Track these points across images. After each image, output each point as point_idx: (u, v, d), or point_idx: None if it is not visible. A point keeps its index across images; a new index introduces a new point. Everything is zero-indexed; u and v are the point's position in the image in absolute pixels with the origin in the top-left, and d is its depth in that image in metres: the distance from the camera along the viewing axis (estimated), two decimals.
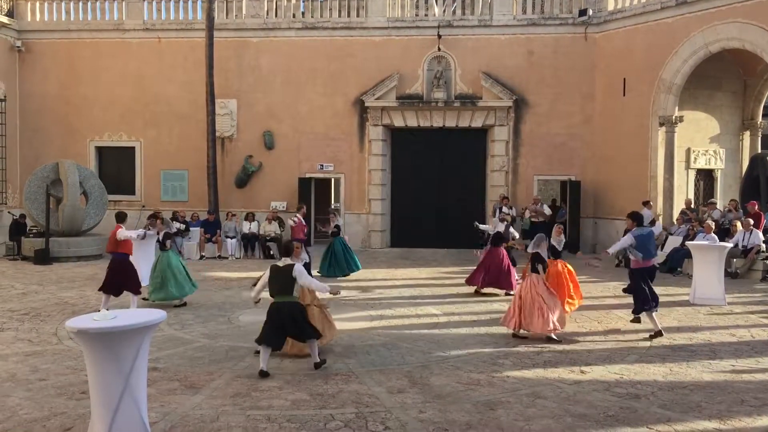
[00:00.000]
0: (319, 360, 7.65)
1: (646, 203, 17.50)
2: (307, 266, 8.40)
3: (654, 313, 9.26)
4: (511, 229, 12.96)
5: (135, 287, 10.76)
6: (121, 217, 10.95)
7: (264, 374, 7.32)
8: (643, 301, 9.28)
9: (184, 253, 17.41)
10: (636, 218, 9.58)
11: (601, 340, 9.15)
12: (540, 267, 9.38)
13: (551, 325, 8.94)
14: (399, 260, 17.89)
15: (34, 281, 14.00)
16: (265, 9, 20.65)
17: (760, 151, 19.14)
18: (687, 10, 17.12)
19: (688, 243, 13.70)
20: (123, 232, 10.65)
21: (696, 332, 9.62)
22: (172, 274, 11.17)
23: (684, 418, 6.16)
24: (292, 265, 7.57)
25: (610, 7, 19.24)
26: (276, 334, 7.50)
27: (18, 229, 18.44)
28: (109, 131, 21.18)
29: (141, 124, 20.99)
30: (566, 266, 10.72)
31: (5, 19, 20.44)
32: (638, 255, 9.26)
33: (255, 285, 8.11)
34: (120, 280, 10.64)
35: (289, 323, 7.47)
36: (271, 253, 17.86)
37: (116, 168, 21.32)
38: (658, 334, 9.17)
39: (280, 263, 7.70)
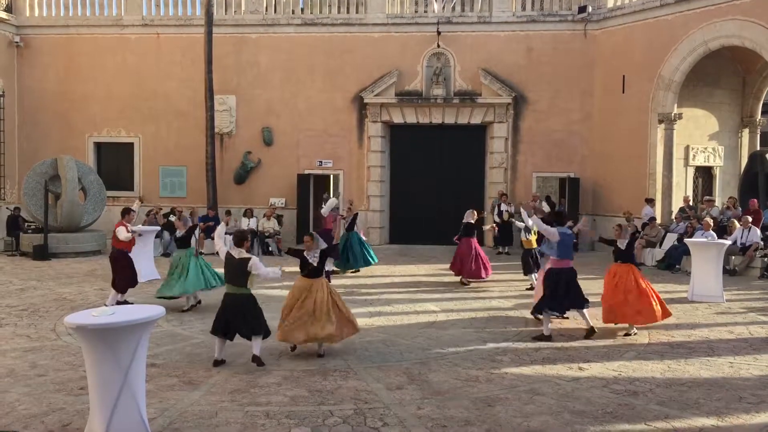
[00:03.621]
0: (258, 355, 7.63)
1: (649, 201, 17.54)
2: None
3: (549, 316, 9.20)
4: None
5: (124, 285, 10.75)
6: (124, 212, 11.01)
7: (218, 363, 7.62)
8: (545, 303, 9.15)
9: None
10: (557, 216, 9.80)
11: (599, 337, 9.15)
12: None
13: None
14: (398, 257, 17.88)
15: (32, 277, 13.99)
16: (264, 5, 20.60)
17: (758, 148, 19.16)
18: (686, 7, 17.11)
19: (686, 240, 13.72)
20: (123, 233, 10.66)
21: (694, 329, 9.64)
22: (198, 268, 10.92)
23: (682, 415, 6.17)
24: (248, 258, 7.58)
25: (610, 3, 19.23)
26: (224, 324, 7.63)
27: (14, 223, 18.43)
28: (108, 127, 21.15)
29: (140, 120, 20.96)
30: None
31: (4, 15, 20.39)
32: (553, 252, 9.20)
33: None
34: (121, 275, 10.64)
35: (236, 317, 7.58)
36: (270, 249, 17.85)
37: (115, 164, 21.29)
38: (547, 338, 8.99)
39: (235, 253, 7.65)
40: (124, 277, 10.68)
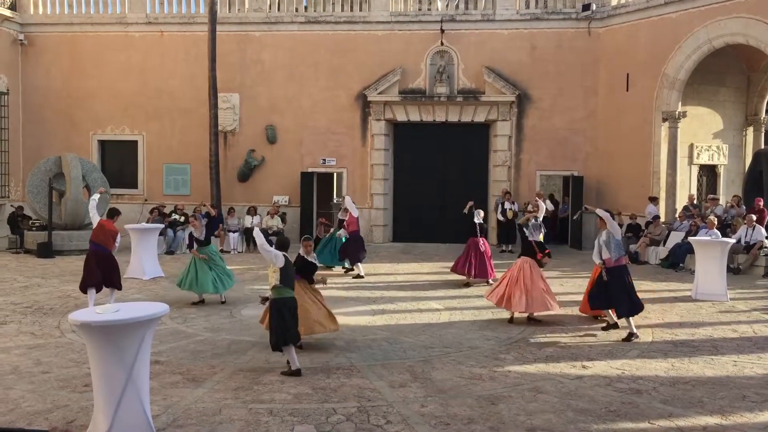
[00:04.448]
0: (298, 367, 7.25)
1: (652, 199, 17.51)
2: (314, 267, 8.45)
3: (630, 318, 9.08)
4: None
5: (120, 282, 10.57)
6: (113, 213, 10.78)
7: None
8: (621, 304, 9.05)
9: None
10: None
11: (603, 335, 9.14)
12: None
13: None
14: (401, 255, 17.89)
15: (36, 274, 14.03)
16: (268, 3, 20.61)
17: (763, 146, 19.08)
18: (690, 5, 17.06)
19: (690, 239, 13.68)
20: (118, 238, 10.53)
21: (698, 328, 9.62)
22: (210, 269, 10.86)
23: (685, 413, 6.16)
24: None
25: (614, 1, 19.19)
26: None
27: (17, 220, 18.47)
28: (112, 125, 21.17)
29: (143, 118, 20.98)
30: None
31: (8, 13, 20.43)
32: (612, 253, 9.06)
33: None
34: (107, 274, 10.34)
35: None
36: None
37: (119, 162, 21.32)
38: (614, 326, 9.16)
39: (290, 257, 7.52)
40: (118, 274, 10.51)
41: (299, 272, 8.05)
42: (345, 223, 14.49)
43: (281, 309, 7.19)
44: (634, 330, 8.93)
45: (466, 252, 13.21)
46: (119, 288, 10.56)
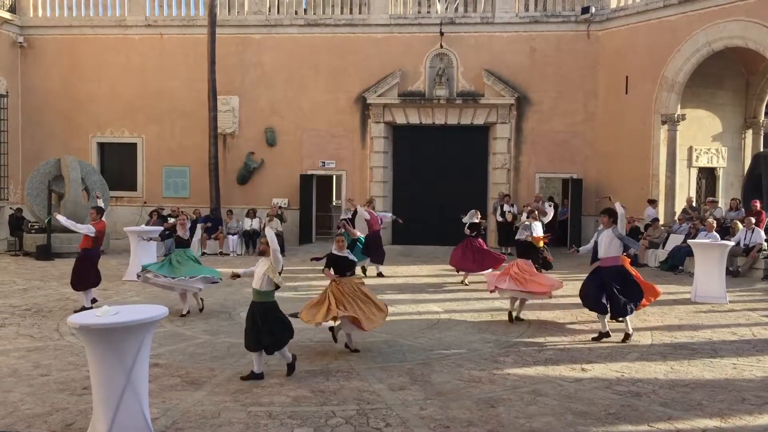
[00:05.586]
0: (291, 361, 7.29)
1: (651, 202, 17.52)
2: (353, 263, 8.61)
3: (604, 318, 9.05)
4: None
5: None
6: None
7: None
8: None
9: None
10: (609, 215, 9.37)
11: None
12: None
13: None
14: (400, 257, 17.88)
15: (35, 277, 14.01)
16: (268, 5, 20.63)
17: (762, 149, 19.10)
18: (690, 8, 17.09)
19: (689, 241, 13.70)
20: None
21: (697, 330, 9.63)
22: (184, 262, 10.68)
23: (685, 416, 6.16)
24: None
25: (613, 4, 19.22)
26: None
27: (17, 223, 18.47)
28: (111, 127, 21.18)
29: (143, 120, 20.99)
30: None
31: (7, 15, 20.43)
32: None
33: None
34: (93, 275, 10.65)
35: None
36: None
37: (118, 164, 21.32)
38: (605, 335, 9.02)
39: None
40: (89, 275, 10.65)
41: (335, 268, 8.21)
42: (368, 223, 14.86)
43: (254, 313, 7.19)
44: (607, 329, 9.05)
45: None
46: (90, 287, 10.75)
